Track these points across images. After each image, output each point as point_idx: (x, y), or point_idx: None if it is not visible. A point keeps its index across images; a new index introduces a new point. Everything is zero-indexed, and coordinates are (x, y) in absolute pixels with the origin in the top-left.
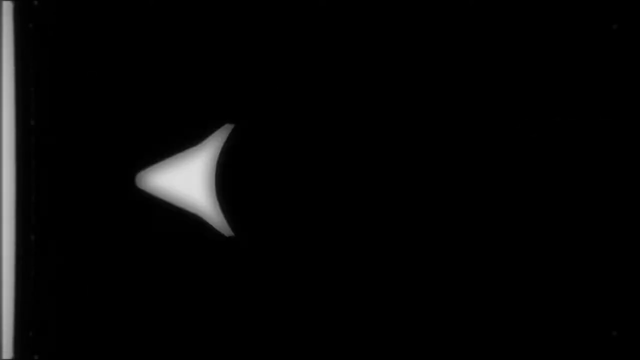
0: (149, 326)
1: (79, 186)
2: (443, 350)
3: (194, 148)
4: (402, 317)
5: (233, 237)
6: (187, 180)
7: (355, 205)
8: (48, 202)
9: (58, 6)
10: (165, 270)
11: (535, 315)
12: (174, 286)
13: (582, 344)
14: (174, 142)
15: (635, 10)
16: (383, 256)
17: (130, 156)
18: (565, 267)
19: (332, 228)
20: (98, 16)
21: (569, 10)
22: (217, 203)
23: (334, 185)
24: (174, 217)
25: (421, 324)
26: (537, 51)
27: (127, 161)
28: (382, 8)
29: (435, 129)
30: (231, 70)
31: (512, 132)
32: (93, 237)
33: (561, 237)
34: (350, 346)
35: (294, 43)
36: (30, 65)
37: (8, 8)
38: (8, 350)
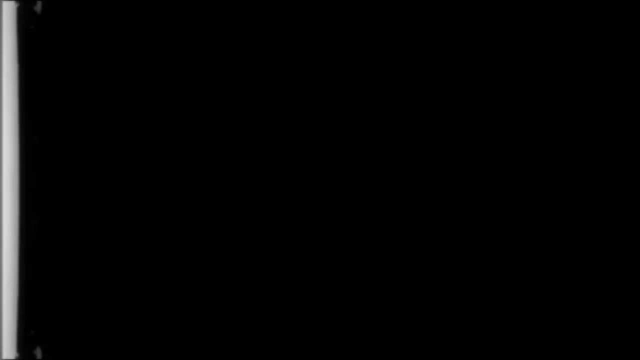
0: (149, 324)
1: (81, 186)
2: (443, 350)
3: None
4: (400, 317)
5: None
6: None
7: (353, 205)
8: (50, 202)
9: (60, 8)
10: (165, 269)
11: (535, 316)
12: (175, 285)
13: (581, 345)
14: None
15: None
16: (378, 256)
17: (131, 156)
18: (565, 267)
19: (329, 228)
20: (100, 18)
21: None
22: None
23: (331, 186)
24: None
25: (419, 323)
26: (537, 51)
27: (128, 160)
28: (382, 8)
29: (431, 129)
30: (232, 71)
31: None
32: (94, 236)
33: (561, 237)
34: (347, 346)
35: (292, 43)
36: (32, 65)
37: (9, 8)
38: (10, 350)
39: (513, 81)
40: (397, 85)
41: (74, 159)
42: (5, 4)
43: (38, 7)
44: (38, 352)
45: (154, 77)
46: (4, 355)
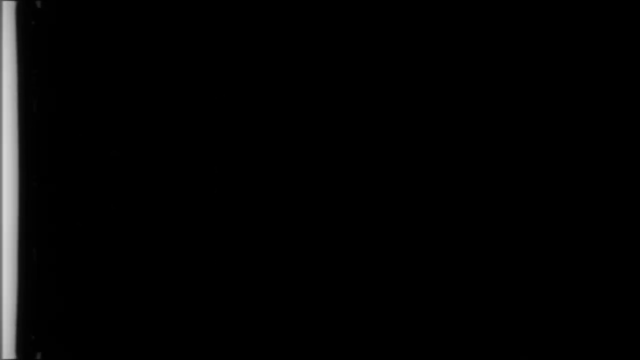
0: (149, 329)
1: (80, 187)
2: (443, 350)
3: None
4: (400, 317)
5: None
6: None
7: (353, 205)
8: (50, 204)
9: (60, 6)
10: (165, 270)
11: (535, 315)
12: (174, 286)
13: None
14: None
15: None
16: (379, 256)
17: (131, 153)
18: (565, 266)
19: (330, 228)
20: (100, 15)
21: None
22: None
23: (333, 185)
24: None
25: (420, 323)
26: (537, 51)
27: (128, 158)
28: (382, 8)
29: (429, 129)
30: (232, 71)
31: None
32: (94, 237)
33: (561, 236)
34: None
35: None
36: (32, 63)
37: (9, 7)
38: (10, 350)
39: (513, 81)
40: (397, 85)
41: (74, 158)
42: (5, 4)
43: (38, 4)
44: (38, 355)
45: (156, 73)
46: (4, 356)
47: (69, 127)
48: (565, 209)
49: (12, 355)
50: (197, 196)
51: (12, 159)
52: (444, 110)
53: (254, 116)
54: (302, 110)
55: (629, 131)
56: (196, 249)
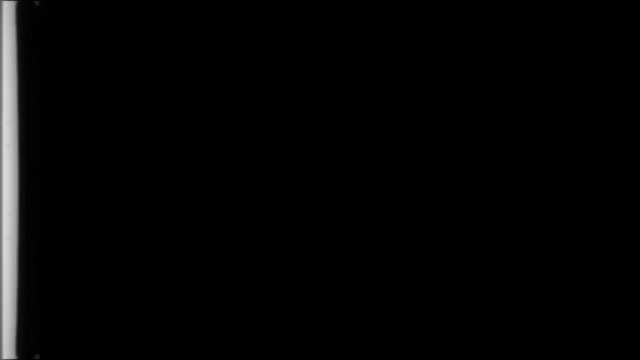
0: (149, 331)
1: (80, 187)
2: (443, 350)
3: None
4: (400, 317)
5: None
6: None
7: (352, 205)
8: (50, 204)
9: (60, 6)
10: (165, 270)
11: (535, 315)
12: (174, 286)
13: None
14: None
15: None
16: (379, 256)
17: (131, 153)
18: (565, 267)
19: (330, 228)
20: (100, 15)
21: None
22: None
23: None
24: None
25: (420, 323)
26: (537, 51)
27: (128, 158)
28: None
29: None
30: (232, 71)
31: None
32: (94, 237)
33: (561, 236)
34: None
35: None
36: (32, 62)
37: (9, 7)
38: (9, 350)
39: (513, 81)
40: (397, 85)
41: (74, 158)
42: (5, 4)
43: (38, 3)
44: (38, 356)
45: (156, 73)
46: (4, 356)
47: (69, 127)
48: (565, 209)
49: (12, 355)
50: (197, 196)
51: (12, 159)
52: (444, 110)
53: (254, 116)
54: (301, 111)
55: (629, 131)
56: (196, 249)
